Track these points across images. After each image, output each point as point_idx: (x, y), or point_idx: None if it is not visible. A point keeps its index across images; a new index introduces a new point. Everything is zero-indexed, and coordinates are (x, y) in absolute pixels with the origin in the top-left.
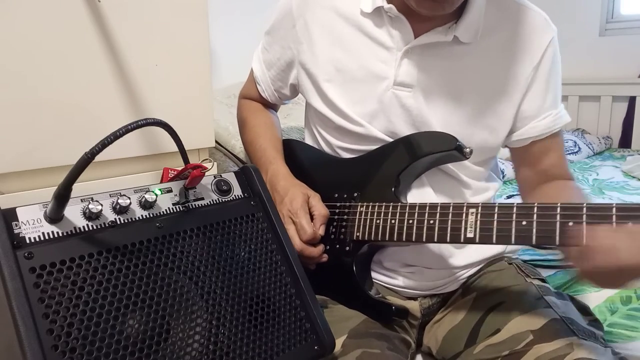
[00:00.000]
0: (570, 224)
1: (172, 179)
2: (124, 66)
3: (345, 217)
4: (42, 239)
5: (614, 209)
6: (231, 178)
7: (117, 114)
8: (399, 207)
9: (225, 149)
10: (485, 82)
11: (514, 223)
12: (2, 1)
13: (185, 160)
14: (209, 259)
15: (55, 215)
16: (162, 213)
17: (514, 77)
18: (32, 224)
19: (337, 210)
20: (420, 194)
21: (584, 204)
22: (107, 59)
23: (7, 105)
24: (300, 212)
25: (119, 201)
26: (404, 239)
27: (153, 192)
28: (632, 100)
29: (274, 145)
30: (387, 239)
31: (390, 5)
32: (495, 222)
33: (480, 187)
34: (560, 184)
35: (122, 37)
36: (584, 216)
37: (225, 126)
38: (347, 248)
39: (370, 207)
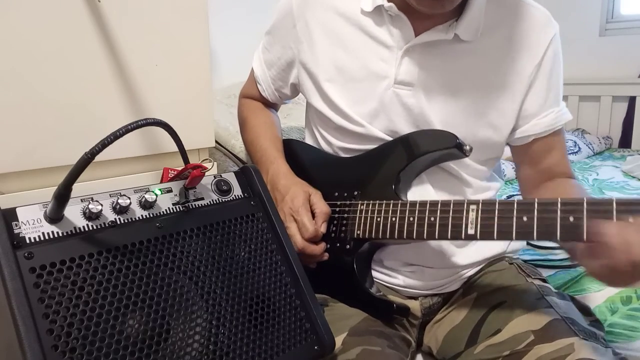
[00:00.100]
0: (571, 219)
1: (172, 179)
2: (124, 66)
3: (346, 215)
4: (42, 239)
5: (614, 204)
6: (231, 178)
7: (117, 114)
8: (399, 205)
9: (225, 149)
10: (486, 80)
11: (514, 219)
12: (2, 1)
13: (185, 160)
14: (209, 259)
15: (55, 215)
16: (162, 213)
17: (515, 75)
18: (32, 224)
19: (337, 209)
20: (421, 192)
21: (584, 199)
22: (107, 59)
23: (7, 105)
24: (302, 209)
25: (119, 201)
26: (404, 237)
27: (153, 192)
28: (632, 100)
29: (275, 144)
30: (387, 236)
31: (391, 4)
32: (495, 219)
33: (482, 186)
34: (561, 182)
35: (122, 37)
36: (585, 211)
37: (225, 126)
38: (348, 246)
39: (370, 205)
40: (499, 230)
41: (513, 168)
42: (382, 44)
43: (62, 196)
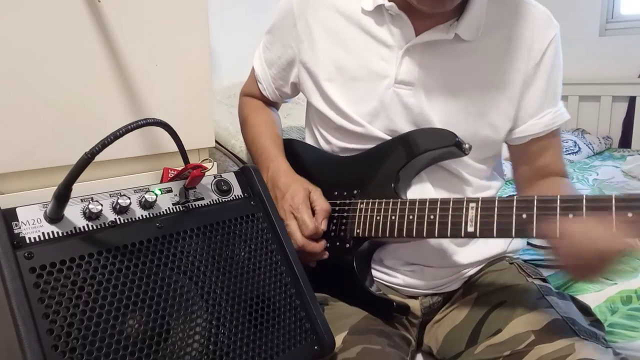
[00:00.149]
0: (570, 216)
1: (172, 179)
2: (124, 66)
3: (345, 214)
4: (42, 239)
5: (613, 200)
6: (231, 178)
7: (117, 114)
8: (399, 203)
9: (225, 149)
10: (486, 80)
11: (514, 216)
12: (2, 1)
13: (185, 160)
14: (209, 259)
15: (55, 215)
16: (162, 213)
17: (515, 74)
18: (32, 224)
19: (337, 208)
20: (420, 191)
21: (584, 196)
22: (107, 59)
23: (7, 105)
24: (302, 207)
25: (119, 201)
26: (404, 235)
27: (153, 192)
28: (632, 100)
29: (275, 143)
30: (387, 235)
31: (391, 3)
32: (495, 216)
33: (482, 185)
34: (553, 181)
35: (122, 37)
36: (584, 208)
37: (225, 126)
38: (348, 245)
39: (370, 203)
40: (498, 228)
41: (511, 166)
42: (383, 44)
43: (62, 196)
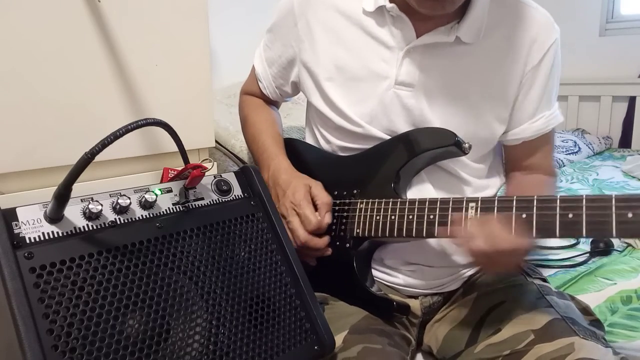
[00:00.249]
0: (570, 215)
1: (172, 179)
2: (124, 66)
3: (345, 214)
4: (42, 239)
5: (613, 200)
6: (231, 178)
7: (117, 114)
8: (398, 203)
9: (225, 149)
10: (486, 82)
11: (513, 216)
12: (2, 1)
13: (185, 160)
14: (209, 259)
15: (55, 215)
16: (162, 213)
17: (513, 77)
18: (32, 224)
19: (337, 207)
20: (420, 191)
21: (583, 196)
22: (107, 59)
23: (7, 105)
24: (304, 202)
25: (119, 201)
26: (404, 235)
27: (153, 192)
28: (632, 100)
29: (276, 141)
30: (387, 235)
31: (393, 5)
32: (494, 216)
33: (481, 184)
34: (536, 178)
35: (122, 37)
36: (584, 207)
37: (225, 126)
38: (348, 245)
39: (370, 203)
40: None
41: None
42: (383, 45)
43: (62, 196)
